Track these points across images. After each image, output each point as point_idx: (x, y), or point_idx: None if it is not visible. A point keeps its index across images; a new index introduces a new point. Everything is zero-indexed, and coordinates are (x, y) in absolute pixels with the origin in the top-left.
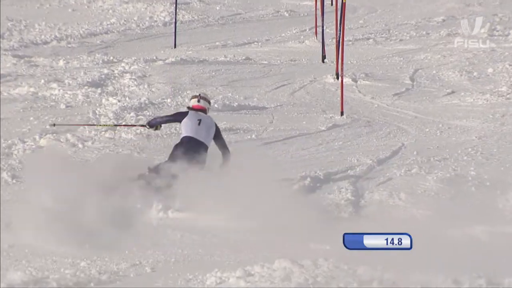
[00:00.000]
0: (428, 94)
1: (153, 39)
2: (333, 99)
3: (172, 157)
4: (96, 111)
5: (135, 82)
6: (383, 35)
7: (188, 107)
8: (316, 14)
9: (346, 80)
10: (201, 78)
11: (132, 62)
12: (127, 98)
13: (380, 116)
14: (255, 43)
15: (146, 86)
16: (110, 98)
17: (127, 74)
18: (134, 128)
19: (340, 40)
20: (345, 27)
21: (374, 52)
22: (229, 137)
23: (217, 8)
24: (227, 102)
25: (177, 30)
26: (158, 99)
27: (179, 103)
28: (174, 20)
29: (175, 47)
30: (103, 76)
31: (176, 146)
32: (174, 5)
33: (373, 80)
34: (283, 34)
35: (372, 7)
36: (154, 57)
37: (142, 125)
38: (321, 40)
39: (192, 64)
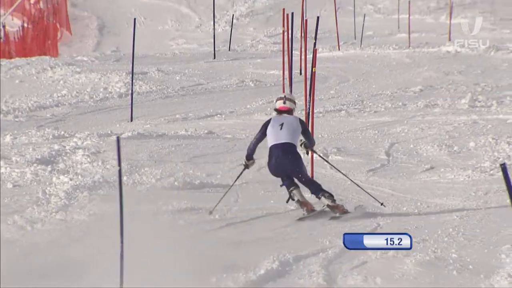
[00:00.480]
0: (405, 170)
1: (107, 112)
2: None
3: (276, 176)
4: (46, 191)
5: (89, 159)
6: (356, 107)
7: (275, 109)
8: (283, 84)
9: (316, 155)
10: (160, 154)
11: (85, 137)
12: (79, 176)
13: (354, 194)
14: (218, 115)
15: (100, 163)
16: (61, 177)
17: (80, 150)
18: (87, 208)
19: (310, 112)
20: (315, 98)
21: (347, 124)
22: (190, 218)
23: (177, 78)
24: (188, 180)
25: (133, 102)
26: (114, 177)
27: (136, 181)
28: (130, 91)
29: (131, 120)
30: (53, 152)
31: (268, 164)
32: (131, 75)
33: (346, 155)
34: (248, 106)
35: (344, 76)
36: (109, 132)
37: (244, 168)
38: None
39: (150, 139)
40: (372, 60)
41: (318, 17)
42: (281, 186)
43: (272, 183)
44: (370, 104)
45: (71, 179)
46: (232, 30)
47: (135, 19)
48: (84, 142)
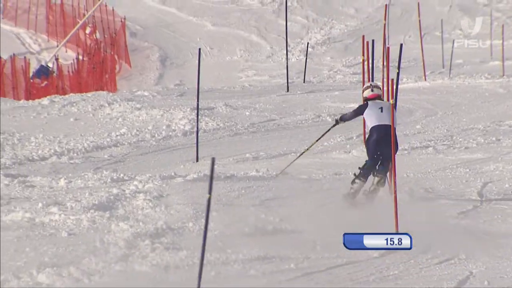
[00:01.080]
0: (500, 212)
1: (171, 152)
2: (387, 219)
3: (371, 153)
4: (104, 239)
5: (150, 204)
6: (445, 143)
7: (365, 98)
8: (364, 119)
9: (402, 196)
10: (228, 197)
11: (146, 180)
12: (140, 223)
13: (444, 238)
14: (292, 154)
15: (163, 208)
16: (121, 223)
17: (141, 194)
18: (149, 258)
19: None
20: (400, 133)
21: (435, 162)
22: (263, 268)
23: (247, 113)
24: (260, 225)
25: (199, 140)
26: (178, 223)
27: (202, 227)
28: (195, 128)
29: (197, 160)
30: (112, 197)
31: (368, 140)
32: (196, 111)
33: (434, 196)
34: (325, 143)
35: (432, 109)
36: (173, 173)
37: (335, 124)
38: None
39: (218, 181)
40: (462, 91)
41: (401, 44)
42: (359, 168)
43: (352, 227)
44: (460, 139)
45: (131, 226)
46: (307, 60)
47: (200, 49)
48: (146, 186)
